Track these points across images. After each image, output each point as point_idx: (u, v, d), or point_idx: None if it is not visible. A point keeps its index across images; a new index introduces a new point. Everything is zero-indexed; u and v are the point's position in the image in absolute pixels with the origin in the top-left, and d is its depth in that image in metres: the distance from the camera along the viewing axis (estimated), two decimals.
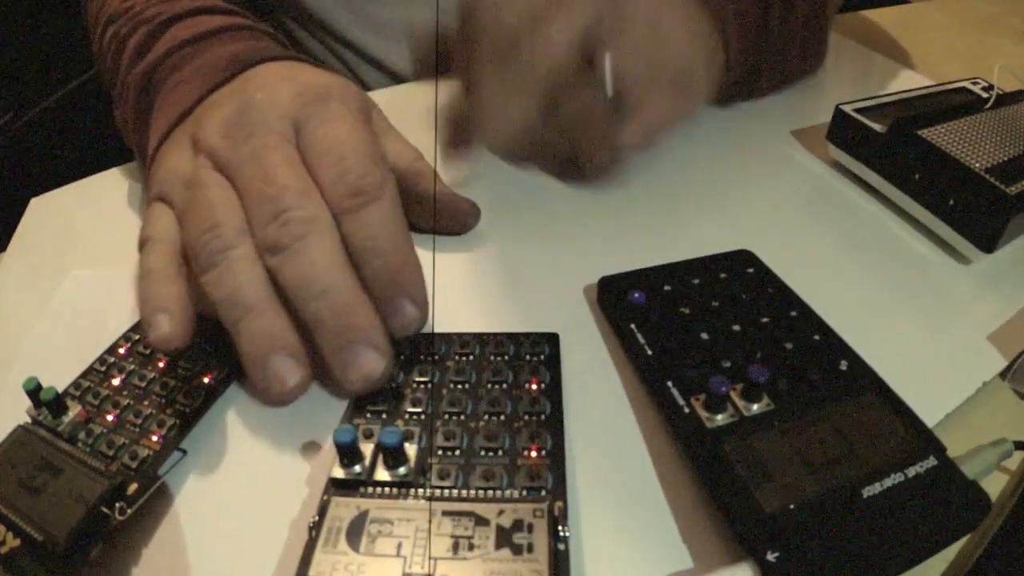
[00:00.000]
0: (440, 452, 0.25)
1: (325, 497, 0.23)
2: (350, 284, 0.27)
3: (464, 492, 0.24)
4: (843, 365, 0.27)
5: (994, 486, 0.27)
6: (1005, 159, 0.36)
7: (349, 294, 0.27)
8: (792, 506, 0.22)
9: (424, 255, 0.30)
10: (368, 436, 0.25)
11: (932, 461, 0.23)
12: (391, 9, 0.54)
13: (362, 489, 0.24)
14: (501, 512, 0.22)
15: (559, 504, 0.23)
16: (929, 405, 0.27)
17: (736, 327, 0.29)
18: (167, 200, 0.32)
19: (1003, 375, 0.31)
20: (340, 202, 0.28)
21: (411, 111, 0.40)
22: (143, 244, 0.30)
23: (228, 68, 0.35)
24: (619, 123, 0.34)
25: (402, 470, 0.24)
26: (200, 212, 0.28)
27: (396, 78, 0.56)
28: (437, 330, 0.31)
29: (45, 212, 0.43)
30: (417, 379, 0.28)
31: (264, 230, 0.27)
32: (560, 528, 0.22)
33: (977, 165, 0.35)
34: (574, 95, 0.32)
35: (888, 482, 0.23)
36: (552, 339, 0.30)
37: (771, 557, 0.21)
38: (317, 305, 0.26)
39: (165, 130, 0.34)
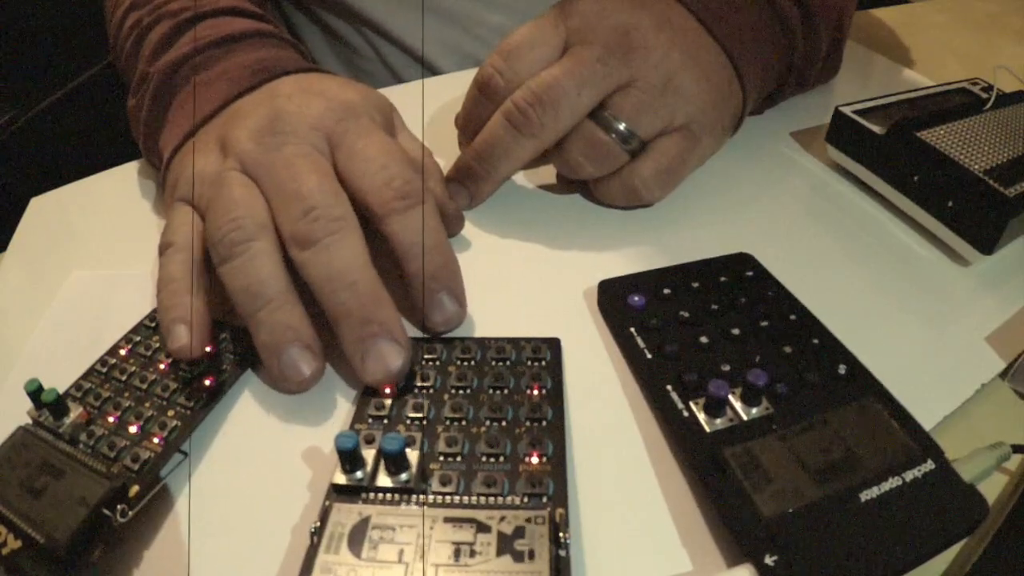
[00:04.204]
0: (441, 458, 0.25)
1: (327, 503, 0.23)
2: (376, 279, 0.29)
3: (465, 498, 0.24)
4: (841, 369, 0.27)
5: (992, 488, 0.27)
6: (1004, 161, 0.36)
7: (375, 289, 0.28)
8: (790, 510, 0.22)
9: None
10: (370, 442, 0.25)
11: (930, 465, 0.23)
12: None
13: (364, 495, 0.24)
14: (502, 519, 0.22)
15: (560, 511, 0.23)
16: (928, 407, 0.28)
17: (735, 331, 0.29)
18: (191, 202, 0.32)
19: (1002, 376, 0.31)
20: (388, 204, 0.30)
21: (427, 109, 0.41)
22: (164, 249, 0.31)
23: (255, 75, 0.36)
24: (633, 161, 0.37)
25: (404, 476, 0.24)
26: (223, 205, 0.30)
27: (420, 60, 0.56)
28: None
29: (45, 212, 0.42)
30: (419, 384, 0.28)
31: (295, 225, 0.29)
32: (561, 535, 0.22)
33: (976, 167, 0.35)
34: (583, 131, 0.36)
35: (886, 486, 0.23)
36: (554, 344, 0.30)
37: (769, 561, 0.21)
38: (344, 296, 0.28)
39: (189, 130, 0.35)
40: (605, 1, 0.36)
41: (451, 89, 0.46)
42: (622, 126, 0.35)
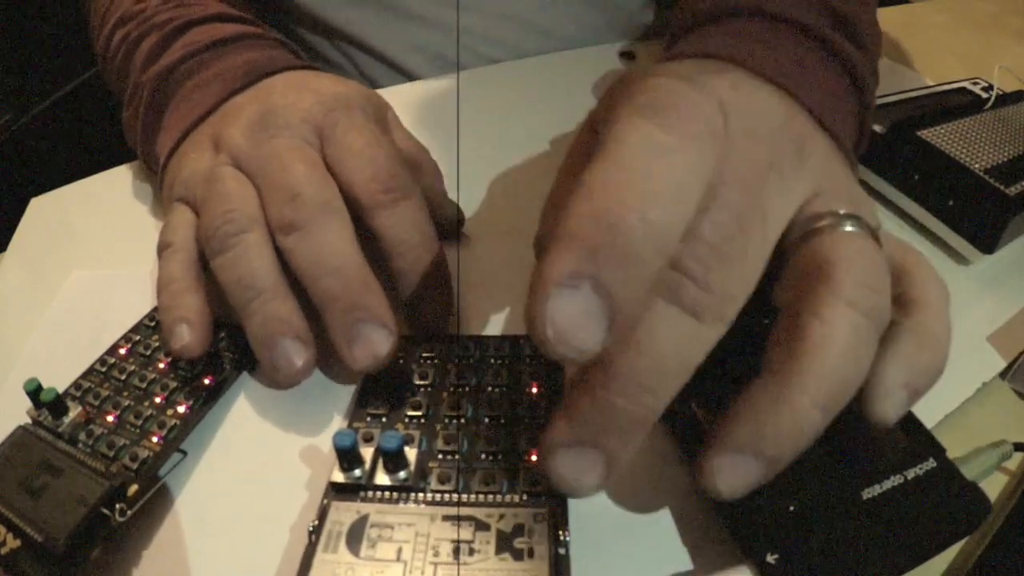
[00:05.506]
0: (440, 456, 0.25)
1: (325, 501, 0.23)
2: (362, 265, 0.28)
3: (464, 496, 0.24)
4: None
5: (993, 487, 0.27)
6: (1005, 160, 0.36)
7: (361, 274, 0.28)
8: (792, 508, 0.22)
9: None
10: (368, 440, 0.25)
11: (932, 463, 0.23)
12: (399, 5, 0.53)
13: (362, 493, 0.24)
14: (502, 517, 0.22)
15: (560, 509, 0.23)
16: (929, 405, 0.27)
17: (737, 326, 0.29)
18: (189, 201, 0.32)
19: (1003, 375, 0.31)
20: (375, 197, 0.29)
21: (419, 109, 0.41)
22: (162, 249, 0.31)
23: (247, 75, 0.35)
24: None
25: (402, 474, 0.24)
26: (215, 200, 0.30)
27: (403, 72, 0.56)
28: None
29: (45, 212, 0.42)
30: (417, 383, 0.28)
31: (280, 211, 0.28)
32: (561, 533, 0.22)
33: (977, 166, 0.35)
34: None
35: (888, 484, 0.23)
36: None
37: (771, 559, 0.21)
38: (330, 282, 0.27)
39: (182, 132, 0.35)
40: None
41: (429, 93, 0.46)
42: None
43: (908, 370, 0.22)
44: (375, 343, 0.27)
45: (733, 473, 0.21)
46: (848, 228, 0.22)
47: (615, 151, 0.20)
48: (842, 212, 0.22)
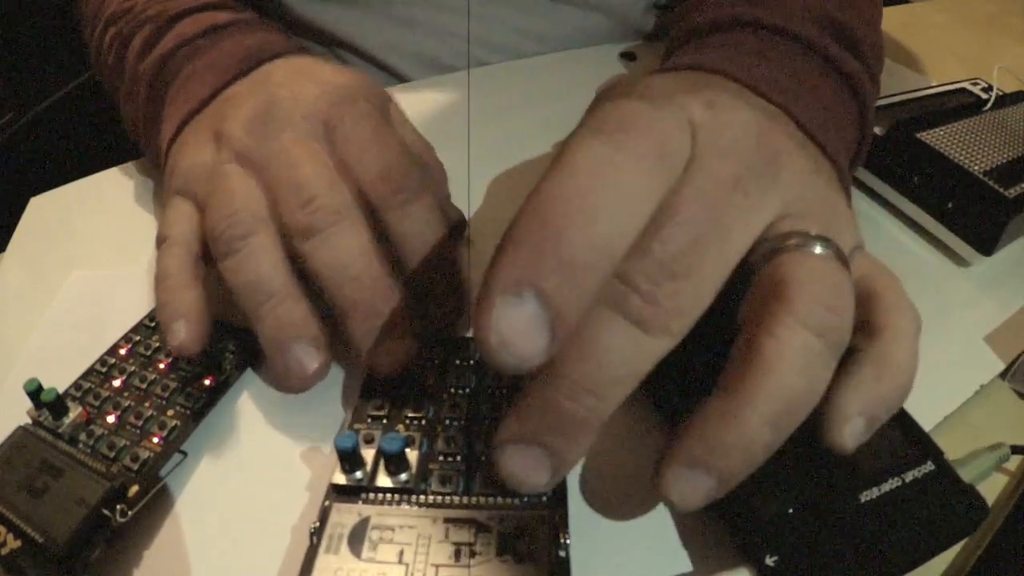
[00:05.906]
0: (441, 458, 0.25)
1: (326, 503, 0.23)
2: (382, 271, 0.28)
3: (465, 499, 0.24)
4: None
5: (992, 489, 0.27)
6: (1004, 161, 0.36)
7: (381, 280, 0.28)
8: (790, 510, 0.22)
9: None
10: (369, 442, 0.25)
11: (929, 466, 0.23)
12: (391, 8, 0.53)
13: (363, 495, 0.24)
14: (502, 519, 0.22)
15: (560, 511, 0.23)
16: (927, 407, 0.28)
17: (735, 329, 0.29)
18: (188, 195, 0.31)
19: (1002, 376, 0.31)
20: (386, 196, 0.29)
21: (413, 111, 0.40)
22: (160, 243, 0.30)
23: (244, 61, 0.35)
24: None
25: (403, 476, 0.24)
26: (220, 200, 0.29)
27: (397, 76, 0.56)
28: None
29: (45, 212, 0.42)
30: (418, 384, 0.28)
31: (294, 216, 0.28)
32: (561, 535, 0.22)
33: (976, 168, 0.35)
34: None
35: (886, 487, 0.23)
36: None
37: (770, 561, 0.21)
38: (351, 289, 0.27)
39: (180, 122, 0.34)
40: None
41: (425, 95, 0.46)
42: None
43: (864, 398, 0.22)
44: (397, 350, 0.27)
45: (685, 486, 0.21)
46: (816, 250, 0.22)
47: (564, 167, 0.21)
48: (812, 233, 0.22)
